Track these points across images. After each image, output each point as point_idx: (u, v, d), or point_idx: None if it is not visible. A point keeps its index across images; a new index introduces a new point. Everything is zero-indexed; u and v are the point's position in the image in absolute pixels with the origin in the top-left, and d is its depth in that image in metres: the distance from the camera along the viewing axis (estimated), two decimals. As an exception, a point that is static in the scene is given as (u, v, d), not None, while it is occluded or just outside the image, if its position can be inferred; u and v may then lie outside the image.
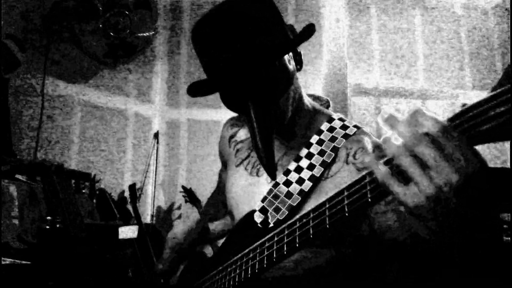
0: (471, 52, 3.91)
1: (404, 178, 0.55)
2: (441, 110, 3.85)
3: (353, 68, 3.86)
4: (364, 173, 0.62)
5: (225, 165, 1.26)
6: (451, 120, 0.52)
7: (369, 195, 0.60)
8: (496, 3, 3.93)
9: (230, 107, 0.96)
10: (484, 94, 0.48)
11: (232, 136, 1.21)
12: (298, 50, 1.00)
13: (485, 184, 0.51)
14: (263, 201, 0.98)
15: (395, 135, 0.54)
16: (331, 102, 1.18)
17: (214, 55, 0.90)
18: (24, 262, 1.83)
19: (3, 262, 1.73)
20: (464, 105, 0.51)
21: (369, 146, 0.95)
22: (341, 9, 3.85)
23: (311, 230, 0.71)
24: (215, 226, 1.28)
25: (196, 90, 0.97)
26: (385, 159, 0.57)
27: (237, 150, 1.16)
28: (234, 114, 1.23)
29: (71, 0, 3.14)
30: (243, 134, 1.18)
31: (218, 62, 0.89)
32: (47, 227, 2.02)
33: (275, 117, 0.93)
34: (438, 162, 0.50)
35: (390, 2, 3.95)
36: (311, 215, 0.72)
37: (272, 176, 0.93)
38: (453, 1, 3.95)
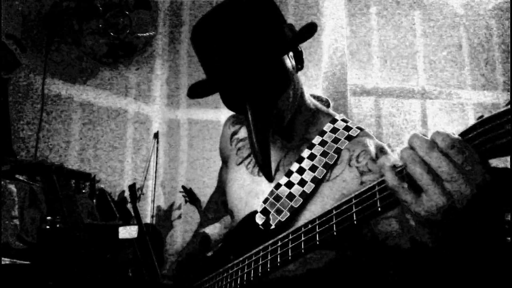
0: (471, 52, 3.91)
1: (414, 188, 0.55)
2: (441, 110, 3.86)
3: (353, 68, 3.86)
4: (368, 179, 0.62)
5: (225, 163, 1.25)
6: (465, 133, 0.53)
7: (379, 204, 0.60)
8: (496, 3, 3.93)
9: (229, 107, 0.96)
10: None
11: (233, 134, 1.20)
12: (299, 49, 0.99)
13: (493, 193, 0.51)
14: (264, 202, 0.97)
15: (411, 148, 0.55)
16: (331, 102, 1.18)
17: (212, 55, 0.90)
18: (24, 262, 1.83)
19: (3, 262, 1.73)
20: (480, 117, 0.51)
21: (372, 149, 0.94)
22: (341, 9, 3.85)
23: (317, 237, 0.71)
24: (213, 231, 1.27)
25: (196, 91, 0.97)
26: (398, 168, 0.57)
27: (239, 149, 1.15)
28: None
29: (71, 0, 3.14)
30: (244, 132, 1.17)
31: (216, 63, 0.89)
32: (47, 227, 2.01)
33: (273, 118, 0.92)
34: (451, 173, 0.51)
35: (390, 2, 3.95)
36: (317, 222, 0.72)
37: (269, 178, 0.92)
38: (453, 1, 3.95)
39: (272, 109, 0.92)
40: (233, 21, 0.88)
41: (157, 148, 3.72)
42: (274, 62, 0.91)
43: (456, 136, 0.52)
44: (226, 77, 0.89)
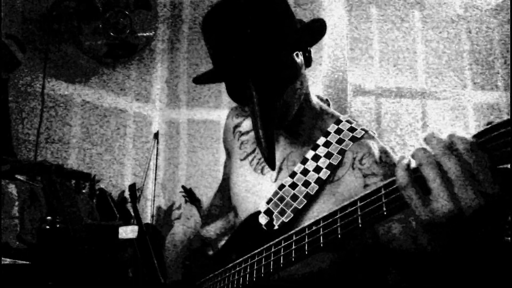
0: (471, 52, 3.91)
1: (423, 189, 0.54)
2: (441, 110, 3.85)
3: (353, 68, 3.86)
4: (372, 182, 0.61)
5: (229, 155, 1.24)
6: (477, 136, 0.51)
7: (384, 208, 0.59)
8: (496, 3, 3.93)
9: (234, 96, 0.95)
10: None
11: (236, 126, 1.19)
12: (308, 48, 0.99)
13: (501, 204, 0.51)
14: (268, 202, 0.97)
15: (426, 147, 0.54)
16: (331, 102, 1.17)
17: (221, 39, 0.88)
18: (24, 262, 1.83)
19: (3, 262, 1.73)
20: (489, 123, 0.50)
21: (376, 151, 0.93)
22: (341, 9, 3.85)
23: (321, 239, 0.70)
24: (214, 229, 1.26)
25: (202, 78, 0.96)
26: (411, 168, 0.56)
27: (242, 143, 1.15)
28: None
29: (71, 0, 3.13)
30: (247, 125, 1.16)
31: (224, 46, 0.88)
32: (47, 227, 2.01)
33: (278, 109, 0.91)
34: (462, 181, 0.50)
35: (390, 2, 3.95)
36: (322, 224, 0.71)
37: (272, 166, 0.90)
38: (453, 1, 3.95)
39: (278, 98, 0.90)
40: (245, 8, 0.88)
41: (157, 148, 3.72)
42: (285, 50, 0.90)
43: (473, 140, 0.51)
44: (236, 59, 0.87)
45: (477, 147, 0.50)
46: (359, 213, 0.63)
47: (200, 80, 0.96)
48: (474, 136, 0.52)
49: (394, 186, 0.58)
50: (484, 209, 0.50)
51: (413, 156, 0.55)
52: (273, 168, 0.91)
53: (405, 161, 0.56)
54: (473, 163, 0.50)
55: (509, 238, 1.72)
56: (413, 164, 0.55)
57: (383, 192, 0.60)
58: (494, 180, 0.50)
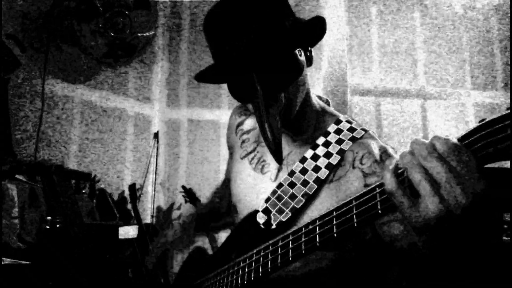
0: (471, 52, 3.91)
1: (413, 193, 0.54)
2: (441, 110, 3.85)
3: (353, 68, 3.86)
4: (372, 181, 0.61)
5: (231, 153, 1.25)
6: (466, 136, 0.52)
7: (379, 207, 0.60)
8: (496, 3, 3.93)
9: (237, 95, 0.94)
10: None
11: (239, 125, 1.20)
12: (309, 48, 1.00)
13: (489, 200, 0.51)
14: (266, 201, 0.98)
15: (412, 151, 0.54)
16: (331, 102, 1.18)
17: (227, 36, 0.88)
18: (24, 262, 1.83)
19: (3, 262, 1.73)
20: (482, 120, 0.50)
21: (376, 151, 0.94)
22: (341, 9, 3.85)
23: (318, 238, 0.71)
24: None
25: (204, 76, 0.95)
26: (399, 172, 0.56)
27: (243, 141, 1.15)
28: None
29: (71, 0, 3.13)
30: (250, 123, 1.17)
31: (230, 43, 0.88)
32: (47, 227, 2.01)
33: (282, 104, 0.91)
34: (449, 180, 0.50)
35: (390, 2, 3.95)
36: (318, 223, 0.71)
37: (278, 160, 0.90)
38: (453, 1, 3.95)
39: (282, 92, 0.90)
40: (247, 5, 0.88)
41: (157, 148, 3.72)
42: (288, 46, 0.91)
43: (456, 141, 0.51)
44: (238, 54, 0.87)
45: (459, 147, 0.51)
46: (354, 212, 0.64)
47: (203, 78, 0.96)
48: (462, 137, 0.52)
49: None
50: (473, 207, 0.50)
51: (400, 162, 0.55)
52: (279, 162, 0.91)
53: (392, 166, 0.56)
54: (456, 163, 0.50)
55: (509, 238, 1.72)
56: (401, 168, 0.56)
57: (377, 191, 0.60)
58: (479, 178, 0.50)
